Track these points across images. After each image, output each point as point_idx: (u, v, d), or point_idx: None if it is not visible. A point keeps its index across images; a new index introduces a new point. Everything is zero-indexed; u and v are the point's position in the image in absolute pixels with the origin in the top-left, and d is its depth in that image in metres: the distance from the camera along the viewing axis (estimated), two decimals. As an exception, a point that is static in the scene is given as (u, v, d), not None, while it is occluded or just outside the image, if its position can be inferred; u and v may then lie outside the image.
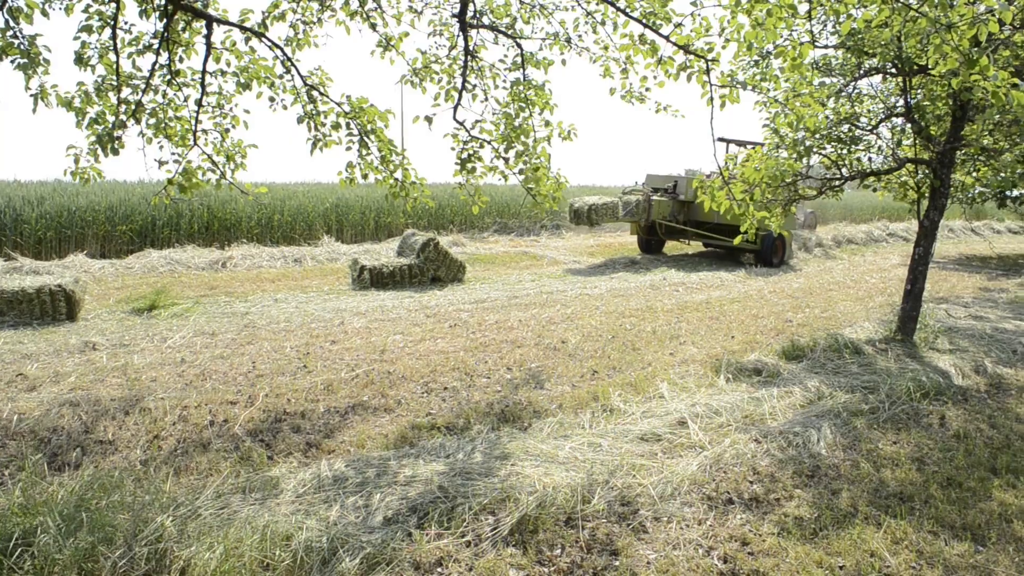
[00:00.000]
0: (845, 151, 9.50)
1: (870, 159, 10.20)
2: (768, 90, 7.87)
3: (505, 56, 7.21)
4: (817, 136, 9.07)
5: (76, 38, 6.10)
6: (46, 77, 5.92)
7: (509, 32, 7.05)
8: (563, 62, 7.34)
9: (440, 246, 14.38)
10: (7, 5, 5.46)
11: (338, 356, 8.41)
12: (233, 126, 6.92)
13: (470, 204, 7.35)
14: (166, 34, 6.26)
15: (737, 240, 7.65)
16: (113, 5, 6.09)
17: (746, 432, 6.05)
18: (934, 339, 9.28)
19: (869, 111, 9.96)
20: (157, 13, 6.22)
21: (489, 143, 6.93)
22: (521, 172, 6.97)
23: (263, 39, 6.57)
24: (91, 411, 6.35)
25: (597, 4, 6.54)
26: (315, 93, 6.86)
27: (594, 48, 7.06)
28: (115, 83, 6.30)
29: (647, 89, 7.01)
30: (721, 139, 19.21)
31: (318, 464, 5.27)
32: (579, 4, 6.72)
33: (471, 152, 6.93)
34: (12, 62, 5.65)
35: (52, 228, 16.48)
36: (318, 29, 7.22)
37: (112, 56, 6.22)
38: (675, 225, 18.98)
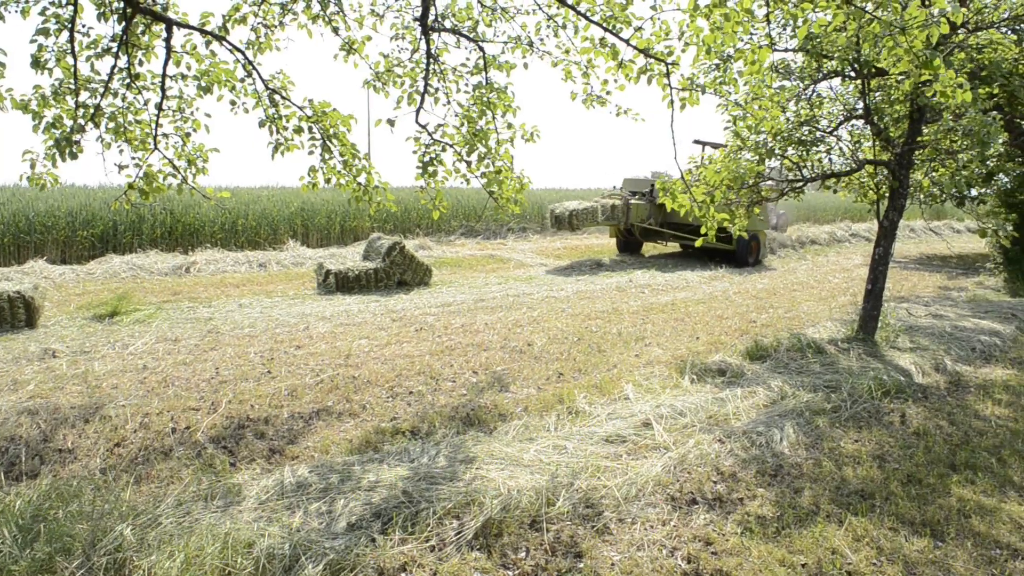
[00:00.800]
0: (806, 153, 9.61)
1: (831, 161, 10.33)
2: (728, 93, 7.93)
3: (467, 59, 7.21)
4: (778, 138, 9.17)
5: (33, 41, 6.00)
6: (1, 80, 5.83)
7: (471, 35, 7.04)
8: (525, 65, 7.35)
9: (406, 250, 14.35)
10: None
11: (303, 361, 8.35)
12: (194, 130, 6.84)
13: (431, 208, 7.34)
14: (125, 37, 6.18)
15: (699, 243, 7.71)
16: (71, 8, 6.01)
17: (710, 432, 6.09)
18: (895, 338, 9.41)
19: (829, 113, 10.08)
20: (116, 16, 6.14)
21: (451, 146, 6.92)
22: (484, 175, 6.97)
23: (224, 43, 6.51)
24: (50, 419, 6.25)
25: (558, 8, 6.55)
26: (277, 97, 6.81)
27: (556, 52, 7.08)
28: (73, 87, 6.21)
29: (608, 92, 7.03)
30: (697, 141, 19.57)
31: (281, 470, 5.22)
32: (540, 8, 6.73)
33: (433, 156, 6.92)
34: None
35: (10, 234, 16.20)
36: (280, 33, 7.16)
37: (70, 59, 6.13)
38: (652, 227, 19.33)
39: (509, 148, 7.06)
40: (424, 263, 14.79)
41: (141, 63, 6.58)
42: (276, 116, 6.81)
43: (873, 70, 8.72)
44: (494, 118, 7.00)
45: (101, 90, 6.31)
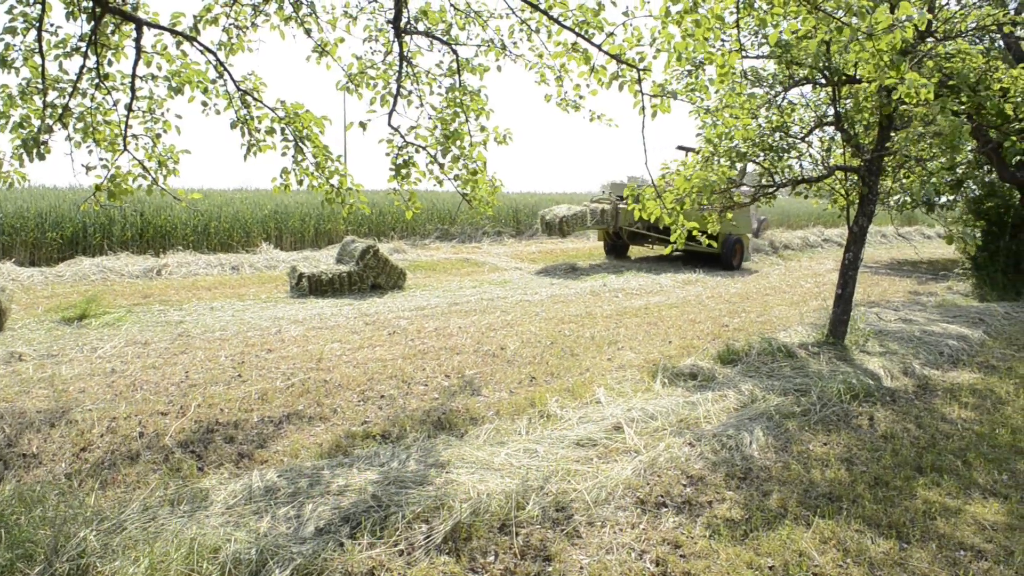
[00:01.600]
0: (777, 159, 9.69)
1: (802, 167, 10.42)
2: (699, 99, 7.99)
3: (441, 62, 7.21)
4: (750, 144, 9.25)
5: (0, 40, 5.93)
6: (-34, 80, 5.75)
7: (444, 38, 7.04)
8: (499, 68, 7.36)
9: (380, 253, 14.31)
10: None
11: (274, 365, 8.30)
12: (165, 131, 6.79)
13: (404, 209, 7.33)
14: (94, 37, 6.12)
15: (667, 250, 7.77)
16: (38, 7, 5.94)
17: (681, 436, 6.12)
18: (865, 342, 9.50)
19: (800, 120, 10.17)
20: (84, 15, 6.08)
21: (424, 149, 6.91)
22: (457, 178, 6.96)
23: (195, 43, 6.47)
24: (15, 424, 6.16)
25: (531, 12, 6.57)
26: (249, 98, 6.78)
27: (529, 55, 7.10)
28: (41, 86, 6.13)
29: (581, 97, 7.06)
30: (681, 147, 19.74)
31: (250, 475, 5.18)
32: (514, 12, 6.74)
33: (407, 158, 6.90)
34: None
35: (-22, 235, 15.99)
36: (252, 34, 7.13)
37: (37, 59, 6.06)
38: (640, 231, 19.61)
39: (483, 151, 7.07)
40: (398, 266, 14.76)
41: (111, 63, 6.52)
42: (248, 117, 6.78)
43: (843, 77, 8.82)
44: (467, 120, 7.01)
45: (69, 90, 6.24)
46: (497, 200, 7.40)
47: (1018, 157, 10.50)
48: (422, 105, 7.13)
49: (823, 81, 9.57)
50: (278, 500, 4.76)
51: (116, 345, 9.01)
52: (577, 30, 6.00)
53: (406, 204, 7.25)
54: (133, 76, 6.38)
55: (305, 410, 6.83)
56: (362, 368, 8.24)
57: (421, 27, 7.05)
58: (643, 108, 5.90)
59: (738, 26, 5.44)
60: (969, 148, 14.99)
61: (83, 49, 6.21)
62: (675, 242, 6.97)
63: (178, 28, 6.44)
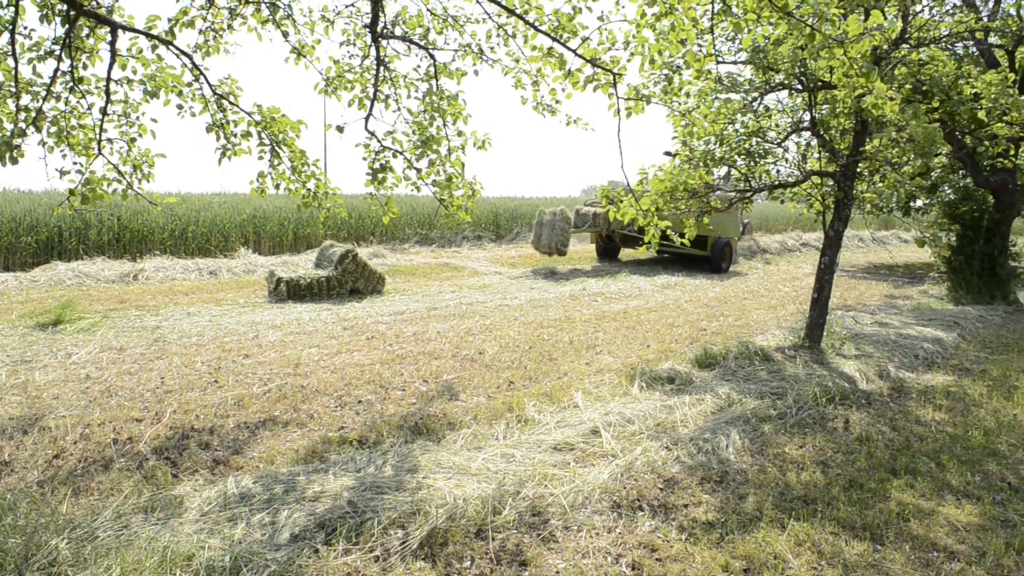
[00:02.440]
0: (754, 164, 9.76)
1: (778, 171, 10.50)
2: (674, 102, 8.04)
3: (418, 66, 7.21)
4: (727, 149, 9.31)
5: (-29, 43, 5.88)
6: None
7: (422, 43, 7.04)
8: (476, 72, 7.36)
9: (359, 257, 14.27)
10: None
11: (251, 370, 8.25)
12: (140, 135, 6.74)
13: (381, 213, 7.32)
14: (68, 40, 6.07)
15: (641, 250, 7.83)
16: (11, 9, 5.89)
17: (657, 440, 6.14)
18: (841, 345, 9.57)
19: (777, 125, 10.25)
20: (59, 18, 6.03)
21: (401, 153, 6.90)
22: (434, 183, 6.96)
23: (171, 47, 6.43)
24: (-14, 431, 6.09)
25: (507, 17, 6.58)
26: (225, 102, 6.75)
27: (506, 60, 7.11)
28: (14, 89, 6.08)
29: (557, 101, 7.08)
30: (667, 152, 20.11)
31: (225, 481, 5.14)
32: (490, 17, 6.75)
33: (384, 162, 6.89)
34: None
35: (-49, 240, 15.81)
36: (229, 36, 7.09)
37: (10, 62, 6.01)
38: (631, 234, 19.88)
39: (460, 155, 7.07)
40: (377, 271, 14.72)
41: (85, 66, 6.47)
42: (224, 121, 6.75)
43: (819, 83, 8.89)
44: (445, 125, 7.00)
45: (43, 93, 6.19)
46: (475, 205, 7.40)
47: (990, 162, 10.63)
48: (399, 109, 7.12)
49: (799, 87, 9.65)
50: (253, 507, 4.73)
51: (91, 351, 8.92)
52: (553, 35, 6.01)
53: (383, 209, 7.24)
54: (108, 80, 6.33)
55: (282, 416, 6.79)
56: (340, 373, 8.20)
57: (398, 31, 7.05)
58: (618, 110, 5.93)
59: (712, 31, 5.48)
60: (944, 153, 15.18)
61: (57, 52, 6.17)
62: (649, 241, 7.00)
63: (153, 31, 6.41)
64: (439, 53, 7.28)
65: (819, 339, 9.46)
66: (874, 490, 5.39)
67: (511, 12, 6.18)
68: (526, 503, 4.89)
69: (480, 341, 10.07)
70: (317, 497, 4.86)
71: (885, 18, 6.96)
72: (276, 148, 6.80)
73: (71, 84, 6.36)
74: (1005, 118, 10.06)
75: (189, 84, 6.70)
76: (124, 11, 6.41)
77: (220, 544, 4.15)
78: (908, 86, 8.36)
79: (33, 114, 6.11)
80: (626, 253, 23.33)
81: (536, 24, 6.08)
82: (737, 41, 10.06)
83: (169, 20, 6.66)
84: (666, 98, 7.22)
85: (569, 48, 5.94)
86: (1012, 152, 12.02)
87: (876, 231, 35.54)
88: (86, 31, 6.35)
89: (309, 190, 7.03)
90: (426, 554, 4.26)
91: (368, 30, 6.83)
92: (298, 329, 10.62)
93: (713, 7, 5.53)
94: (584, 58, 5.85)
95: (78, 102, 6.48)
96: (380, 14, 6.69)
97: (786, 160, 10.40)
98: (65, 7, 5.88)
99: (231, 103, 6.74)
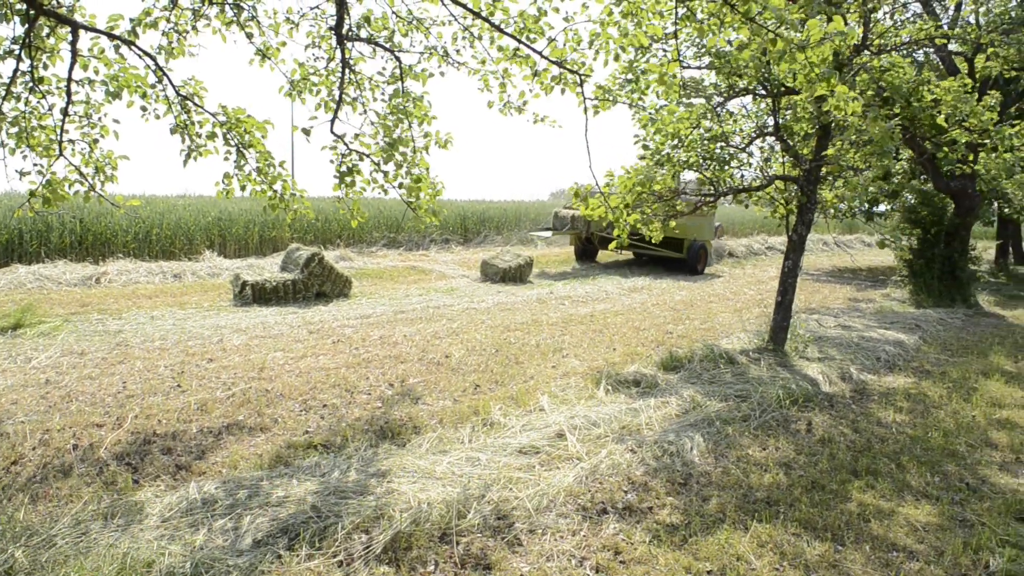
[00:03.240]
0: (720, 169, 9.83)
1: (742, 176, 10.59)
2: (639, 100, 8.10)
3: (384, 69, 7.17)
4: (692, 153, 9.37)
5: (-72, 42, 5.76)
6: None
7: (387, 45, 7.01)
8: (442, 74, 7.34)
9: (325, 261, 14.17)
10: None
11: (215, 374, 8.16)
12: (102, 136, 6.64)
13: (350, 218, 7.27)
14: (28, 40, 5.97)
15: (613, 244, 7.91)
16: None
17: (623, 443, 6.15)
18: (804, 348, 9.67)
19: (741, 130, 10.33)
20: (18, 18, 5.92)
21: (368, 156, 6.86)
22: (401, 186, 6.92)
23: (133, 47, 6.34)
24: (-60, 437, 5.97)
25: (473, 19, 6.57)
26: (189, 104, 6.67)
27: (472, 62, 7.10)
28: (-28, 90, 5.97)
29: (525, 102, 7.08)
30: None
31: (187, 487, 5.07)
32: (456, 19, 6.74)
33: (350, 165, 6.85)
34: None
35: (-94, 243, 15.48)
36: (193, 38, 7.00)
37: (-32, 62, 5.91)
38: (610, 236, 20.11)
39: (425, 156, 7.04)
40: (344, 274, 14.64)
41: (46, 66, 6.36)
42: (188, 123, 6.68)
43: (782, 88, 8.98)
44: (411, 127, 6.97)
45: (2, 94, 6.08)
46: (441, 206, 7.38)
47: (950, 167, 10.80)
48: (365, 112, 7.08)
49: (763, 92, 9.74)
50: (216, 512, 4.67)
51: (51, 355, 8.77)
52: (518, 37, 6.01)
53: (351, 213, 7.19)
54: (69, 80, 6.23)
55: (246, 420, 6.72)
56: (305, 377, 8.14)
57: (364, 34, 7.01)
58: (585, 109, 5.95)
59: (676, 36, 5.52)
60: (905, 158, 15.40)
61: (17, 52, 6.06)
62: (619, 236, 7.06)
63: (116, 32, 6.31)
64: (405, 55, 7.24)
65: (783, 342, 9.55)
66: (836, 491, 5.44)
67: (476, 15, 6.17)
68: (491, 507, 4.87)
69: (446, 345, 10.05)
70: (281, 502, 4.81)
71: (846, 24, 7.04)
72: (242, 149, 6.73)
73: (31, 84, 6.25)
74: (964, 124, 10.24)
75: (153, 85, 6.61)
76: (85, 11, 6.31)
77: (181, 550, 4.10)
78: (870, 92, 8.46)
79: (-8, 114, 6.01)
80: (605, 256, 23.67)
81: (502, 27, 6.07)
82: (700, 47, 10.14)
83: (131, 20, 6.56)
84: (633, 97, 7.27)
85: (535, 50, 5.94)
86: (971, 158, 12.23)
87: (840, 235, 36.03)
88: (46, 31, 6.25)
89: (276, 192, 6.97)
90: (390, 559, 4.24)
91: (333, 32, 6.78)
92: (263, 333, 10.52)
93: (676, 12, 5.58)
94: (551, 60, 5.86)
95: (39, 102, 6.37)
96: (345, 16, 6.64)
97: (750, 165, 10.49)
98: (24, 6, 5.78)
99: (196, 104, 6.66)
